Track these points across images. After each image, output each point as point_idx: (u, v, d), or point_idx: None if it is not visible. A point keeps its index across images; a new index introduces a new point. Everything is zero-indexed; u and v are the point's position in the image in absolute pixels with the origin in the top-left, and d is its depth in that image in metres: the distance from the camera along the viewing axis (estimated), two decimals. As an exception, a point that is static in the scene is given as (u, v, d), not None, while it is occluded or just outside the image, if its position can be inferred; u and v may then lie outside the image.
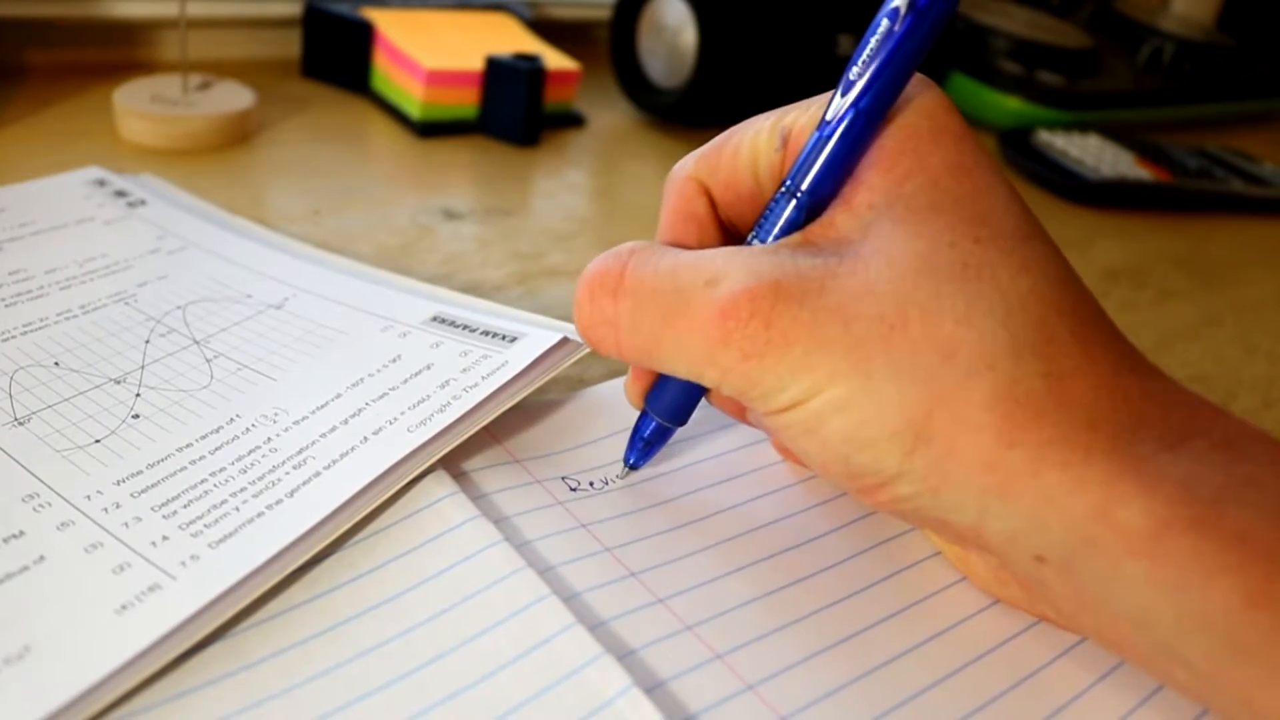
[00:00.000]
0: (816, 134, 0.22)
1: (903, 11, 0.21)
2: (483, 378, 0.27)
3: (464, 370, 0.28)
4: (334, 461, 0.24)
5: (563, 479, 0.27)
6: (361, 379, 0.28)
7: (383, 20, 0.52)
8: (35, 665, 0.19)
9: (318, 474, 0.24)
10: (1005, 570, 0.23)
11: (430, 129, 0.51)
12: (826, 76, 0.65)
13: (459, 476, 0.26)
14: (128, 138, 0.44)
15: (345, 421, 0.26)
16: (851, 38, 0.58)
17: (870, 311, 0.20)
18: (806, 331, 0.20)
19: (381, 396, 0.27)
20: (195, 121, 0.44)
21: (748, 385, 0.21)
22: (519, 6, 0.60)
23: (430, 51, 0.50)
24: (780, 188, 0.23)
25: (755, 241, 0.23)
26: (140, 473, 0.24)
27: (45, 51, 0.51)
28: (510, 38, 0.55)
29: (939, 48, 0.66)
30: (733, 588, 0.24)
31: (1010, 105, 0.65)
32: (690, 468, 0.28)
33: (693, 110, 0.55)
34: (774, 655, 0.22)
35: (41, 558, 0.21)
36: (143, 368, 0.28)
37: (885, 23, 0.21)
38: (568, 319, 0.30)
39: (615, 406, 0.30)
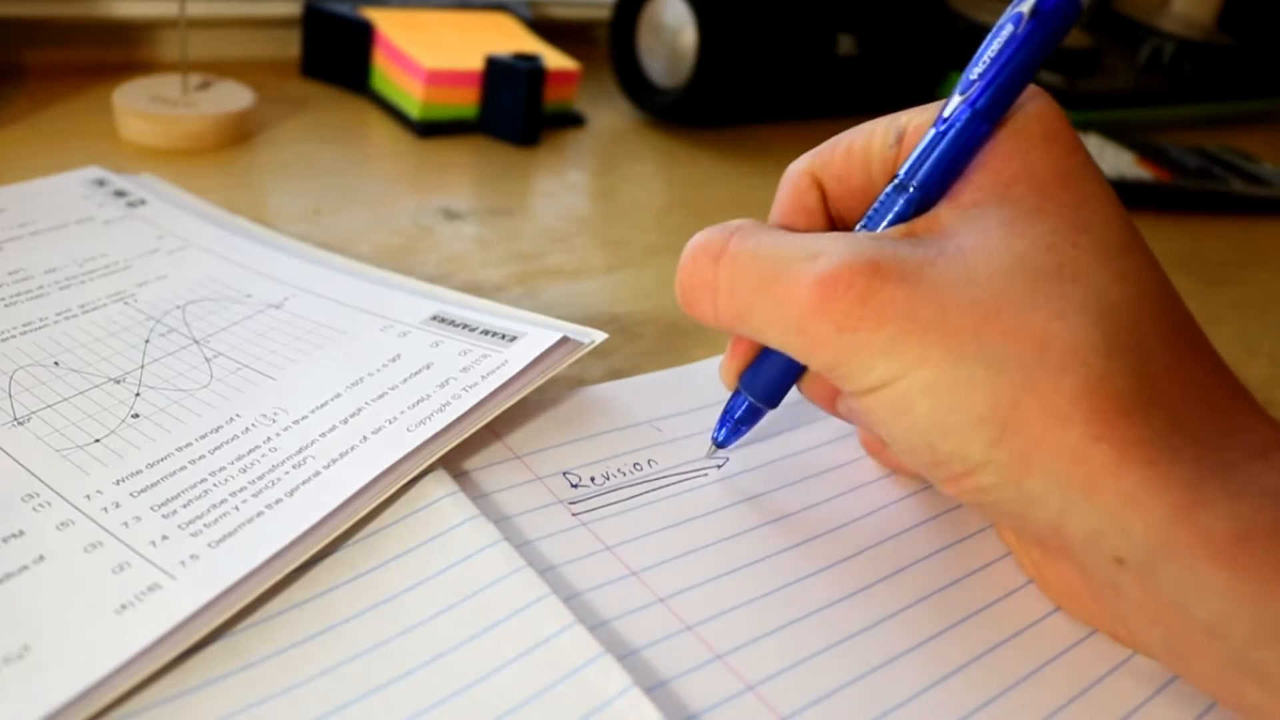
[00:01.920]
0: (933, 131, 0.23)
1: (1026, 16, 0.21)
2: (482, 377, 0.27)
3: (464, 370, 0.28)
4: (333, 461, 0.24)
5: (564, 474, 0.27)
6: (361, 378, 0.28)
7: (382, 20, 0.52)
8: (35, 665, 0.19)
9: (317, 473, 0.24)
10: (1081, 578, 0.23)
11: (430, 129, 0.50)
12: (827, 76, 0.65)
13: (459, 476, 0.26)
14: (127, 138, 0.44)
15: (345, 421, 0.26)
16: (851, 38, 0.58)
17: (965, 299, 0.20)
18: (901, 312, 0.20)
19: (381, 396, 0.27)
20: (195, 121, 0.44)
21: (837, 360, 0.21)
22: (519, 6, 0.60)
23: (430, 51, 0.50)
24: (891, 181, 0.23)
25: (862, 230, 0.24)
26: (140, 472, 0.24)
27: (45, 51, 0.51)
28: (510, 38, 0.55)
29: (938, 47, 0.66)
30: (733, 587, 0.24)
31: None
32: (691, 466, 0.28)
33: (693, 110, 0.55)
34: (774, 655, 0.22)
35: (41, 557, 0.21)
36: (142, 367, 0.28)
37: (1009, 26, 0.22)
38: (568, 319, 0.30)
39: (616, 403, 0.30)
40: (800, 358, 0.22)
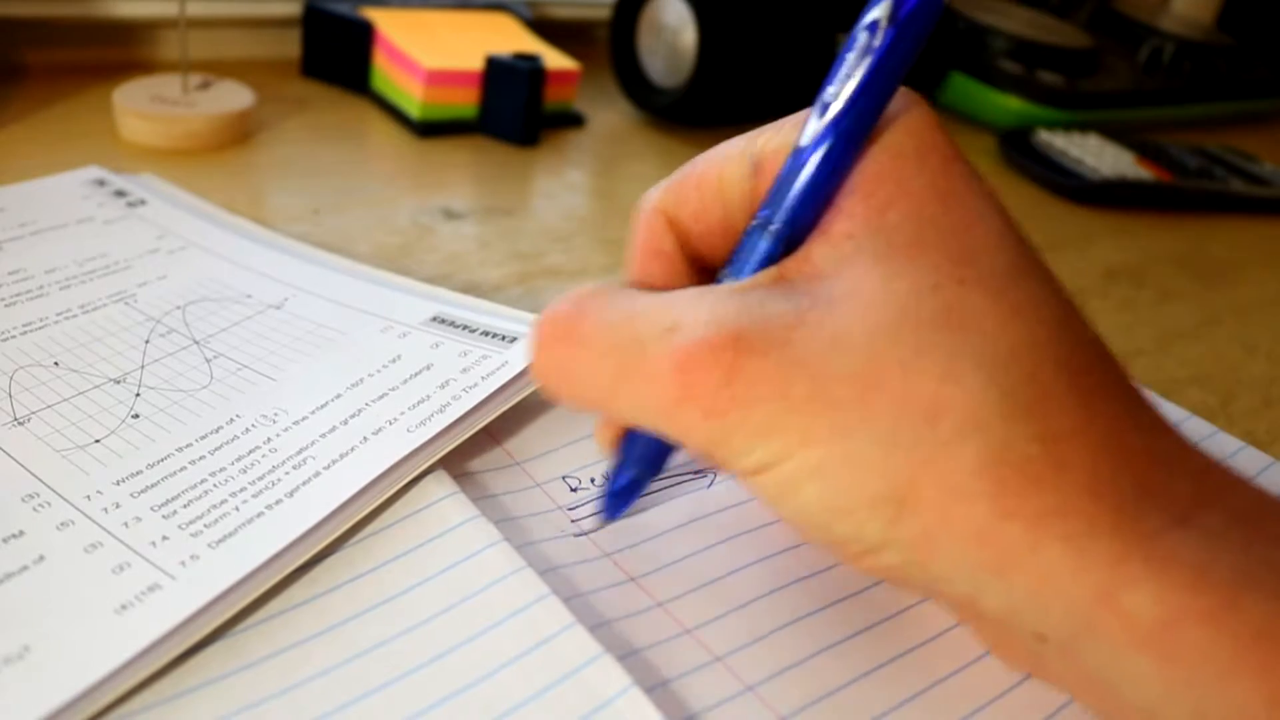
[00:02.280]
0: (791, 160, 0.20)
1: (882, 24, 0.19)
2: (482, 378, 0.27)
3: (464, 370, 0.28)
4: (334, 462, 0.24)
5: (563, 478, 0.27)
6: (361, 379, 0.28)
7: (382, 20, 0.52)
8: (35, 665, 0.19)
9: (317, 474, 0.24)
10: (1005, 640, 0.21)
11: (430, 129, 0.50)
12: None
13: (459, 477, 0.26)
14: (127, 137, 0.44)
15: (345, 422, 0.26)
16: (851, 38, 0.58)
17: (843, 369, 0.18)
18: (773, 389, 0.18)
19: (381, 397, 0.27)
20: (195, 121, 0.44)
21: (711, 445, 0.19)
22: (519, 6, 0.60)
23: (430, 51, 0.50)
24: (753, 220, 0.21)
25: (728, 279, 0.21)
26: (140, 473, 0.24)
27: (45, 51, 0.51)
28: (510, 37, 0.55)
29: (938, 48, 0.66)
30: (732, 589, 0.24)
31: (1010, 105, 0.65)
32: (690, 468, 0.28)
33: (693, 110, 0.55)
34: (774, 656, 0.22)
35: (41, 557, 0.21)
36: (142, 368, 0.28)
37: (864, 36, 0.19)
38: (567, 319, 0.30)
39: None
40: (677, 442, 0.20)
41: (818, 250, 0.20)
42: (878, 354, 0.18)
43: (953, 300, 0.18)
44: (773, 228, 0.20)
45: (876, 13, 0.19)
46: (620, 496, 0.24)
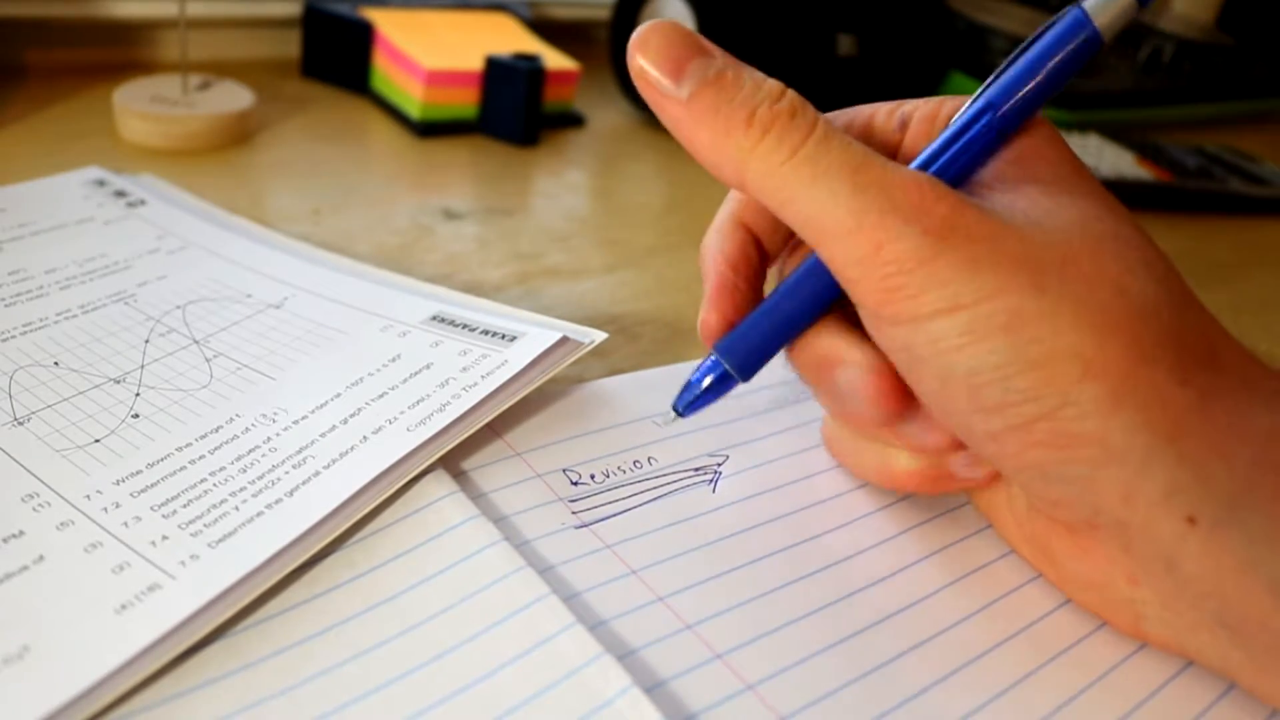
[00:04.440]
0: (955, 124, 0.23)
1: (1055, 26, 0.23)
2: (482, 377, 0.27)
3: (463, 369, 0.28)
4: (333, 461, 0.24)
5: (564, 471, 0.27)
6: (361, 378, 0.28)
7: (382, 20, 0.52)
8: (34, 665, 0.19)
9: (317, 473, 0.24)
10: (1113, 565, 0.22)
11: (430, 129, 0.50)
12: (827, 76, 0.65)
13: (459, 475, 0.26)
14: (127, 138, 0.44)
15: (345, 421, 0.26)
16: (851, 38, 0.58)
17: (1043, 240, 0.20)
18: (987, 234, 0.20)
19: (381, 396, 0.27)
20: (195, 121, 0.44)
21: (915, 264, 0.20)
22: (519, 6, 0.60)
23: (430, 51, 0.50)
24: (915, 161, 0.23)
25: None
26: (140, 472, 0.24)
27: (45, 51, 0.51)
28: (510, 38, 0.55)
29: (938, 47, 0.66)
30: (733, 586, 0.24)
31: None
32: (691, 464, 0.28)
33: (693, 110, 0.55)
34: (774, 655, 0.22)
35: (41, 557, 0.21)
36: (142, 367, 0.28)
37: (1028, 43, 0.23)
38: (567, 319, 0.30)
39: (616, 399, 0.30)
40: (861, 253, 0.20)
41: (972, 195, 0.22)
42: (1070, 241, 0.21)
43: (1115, 228, 0.21)
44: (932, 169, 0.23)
45: (1055, 24, 0.23)
46: (709, 390, 0.25)
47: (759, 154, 0.21)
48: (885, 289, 0.20)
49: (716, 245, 0.26)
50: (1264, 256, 0.55)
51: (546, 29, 0.61)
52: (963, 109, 0.23)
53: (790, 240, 0.27)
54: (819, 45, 0.57)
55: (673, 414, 0.26)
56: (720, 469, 0.28)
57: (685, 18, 0.53)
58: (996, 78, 0.23)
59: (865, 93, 0.63)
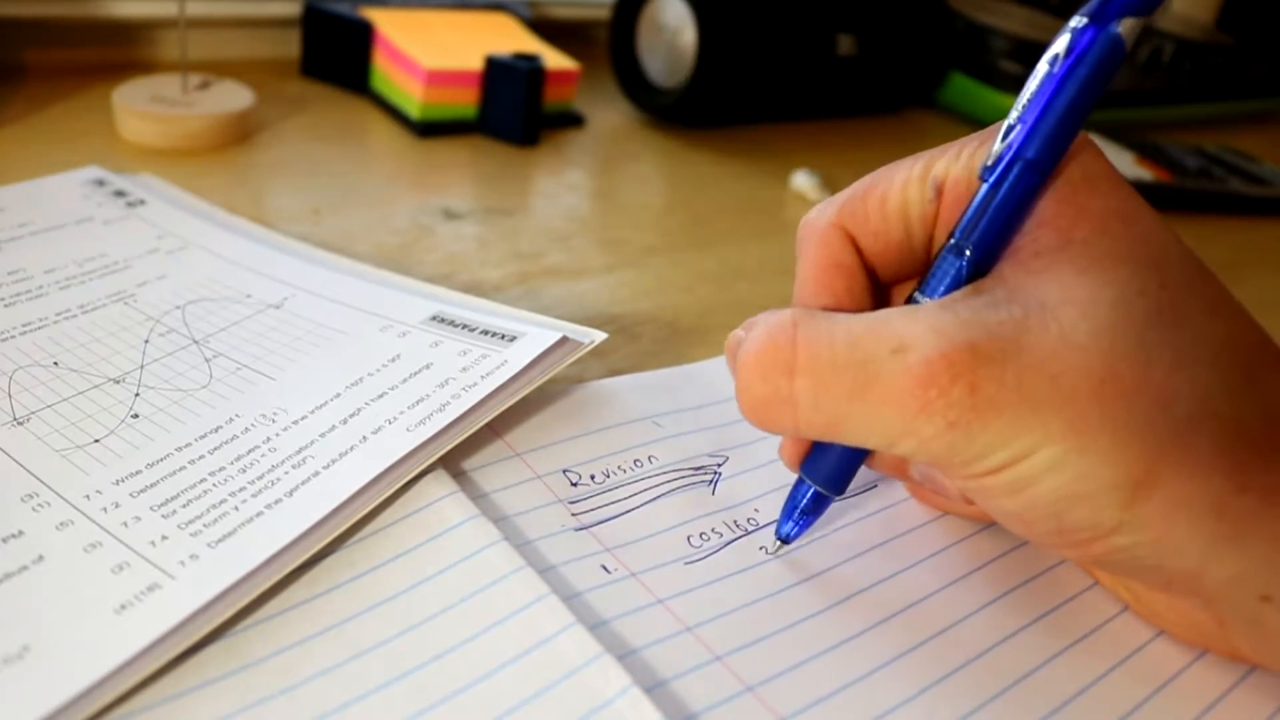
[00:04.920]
0: (985, 186, 0.21)
1: (1060, 56, 0.21)
2: (482, 377, 0.27)
3: (463, 370, 0.28)
4: (333, 461, 0.24)
5: (564, 472, 0.27)
6: (360, 378, 0.28)
7: (382, 20, 0.52)
8: (34, 665, 0.19)
9: (317, 473, 0.24)
10: (1207, 611, 0.23)
11: (430, 129, 0.50)
12: (827, 76, 0.65)
13: (459, 475, 0.26)
14: (127, 138, 0.44)
15: (344, 421, 0.26)
16: (851, 38, 0.58)
17: (1076, 365, 0.19)
18: (1014, 394, 0.19)
19: (380, 396, 0.27)
20: (195, 121, 0.44)
21: (950, 453, 0.20)
22: (519, 6, 0.60)
23: (430, 51, 0.50)
24: (948, 240, 0.22)
25: (922, 298, 0.22)
26: (139, 472, 0.24)
27: (44, 51, 0.51)
28: (510, 37, 0.55)
29: (938, 47, 0.66)
30: (733, 588, 0.24)
31: (1010, 105, 0.65)
32: (690, 465, 0.28)
33: (692, 110, 0.55)
34: (773, 656, 0.22)
35: (40, 557, 0.21)
36: (142, 367, 0.28)
37: (1044, 66, 0.21)
38: (567, 319, 0.30)
39: (615, 399, 0.30)
40: (905, 455, 0.21)
41: (1009, 270, 0.21)
42: (1106, 351, 0.19)
43: (1161, 301, 0.20)
44: (967, 250, 0.21)
45: (1058, 46, 0.21)
46: (806, 514, 0.25)
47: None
48: (932, 464, 0.21)
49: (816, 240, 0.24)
50: (1264, 256, 0.55)
51: (546, 29, 0.61)
52: (992, 153, 0.22)
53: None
54: (819, 45, 0.57)
55: (777, 542, 0.25)
56: (720, 470, 0.28)
57: (685, 18, 0.53)
58: (1024, 120, 0.21)
59: (865, 93, 0.63)
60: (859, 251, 0.24)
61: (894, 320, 0.20)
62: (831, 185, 0.51)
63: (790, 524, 0.25)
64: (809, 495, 0.24)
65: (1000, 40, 0.66)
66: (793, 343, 0.21)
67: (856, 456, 0.23)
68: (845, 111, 0.63)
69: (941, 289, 0.22)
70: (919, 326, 0.20)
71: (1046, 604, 0.25)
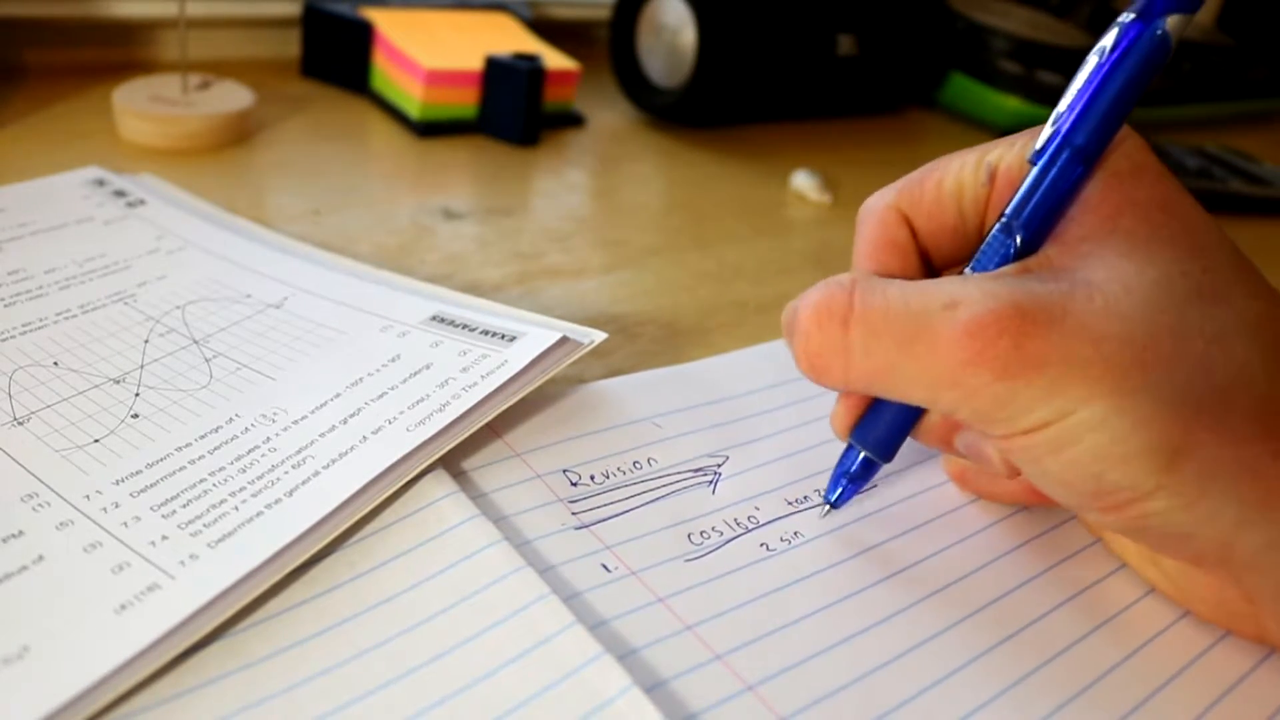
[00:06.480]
0: (1036, 170, 0.22)
1: (1108, 49, 0.22)
2: (482, 377, 0.27)
3: (463, 370, 0.28)
4: (333, 461, 0.24)
5: (563, 472, 0.27)
6: (360, 378, 0.28)
7: (382, 20, 0.52)
8: (34, 665, 0.19)
9: (317, 473, 0.24)
10: (1237, 588, 0.23)
11: (430, 129, 0.50)
12: (827, 76, 0.65)
13: (459, 475, 0.26)
14: (127, 138, 0.44)
15: (344, 421, 0.26)
16: (851, 38, 0.58)
17: (1119, 332, 0.20)
18: (1058, 352, 0.20)
19: (380, 396, 0.27)
20: (195, 121, 0.44)
21: (995, 406, 0.21)
22: (519, 6, 0.60)
23: (430, 51, 0.50)
24: (999, 219, 0.23)
25: (972, 273, 0.23)
26: (139, 472, 0.24)
27: (45, 51, 0.51)
28: (510, 37, 0.55)
29: (938, 47, 0.66)
30: (732, 587, 0.24)
31: (1010, 105, 0.65)
32: (690, 465, 0.28)
33: (692, 110, 0.55)
34: (774, 655, 0.22)
35: (40, 557, 0.21)
36: (142, 367, 0.28)
37: (1093, 58, 0.22)
38: (567, 319, 0.30)
39: (616, 400, 0.30)
40: (947, 409, 0.22)
41: (1055, 252, 0.22)
42: (1148, 321, 0.20)
43: (1202, 283, 0.21)
44: (1016, 230, 0.22)
45: (1106, 40, 0.22)
46: (854, 481, 0.26)
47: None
48: (975, 421, 0.22)
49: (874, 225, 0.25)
50: (1264, 257, 0.55)
51: (546, 29, 0.61)
52: (1041, 138, 0.23)
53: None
54: (819, 45, 0.57)
55: (826, 507, 0.26)
56: (720, 470, 0.28)
57: (685, 18, 0.53)
58: (1072, 110, 0.22)
59: (865, 93, 0.63)
60: (914, 233, 0.25)
61: (946, 283, 0.22)
62: (831, 185, 0.51)
63: (838, 489, 0.26)
64: (859, 461, 0.25)
65: (1000, 40, 0.66)
66: (849, 296, 0.22)
67: (906, 421, 0.24)
68: (845, 111, 0.63)
69: (993, 263, 0.23)
70: (970, 288, 0.21)
71: (1047, 604, 0.25)
